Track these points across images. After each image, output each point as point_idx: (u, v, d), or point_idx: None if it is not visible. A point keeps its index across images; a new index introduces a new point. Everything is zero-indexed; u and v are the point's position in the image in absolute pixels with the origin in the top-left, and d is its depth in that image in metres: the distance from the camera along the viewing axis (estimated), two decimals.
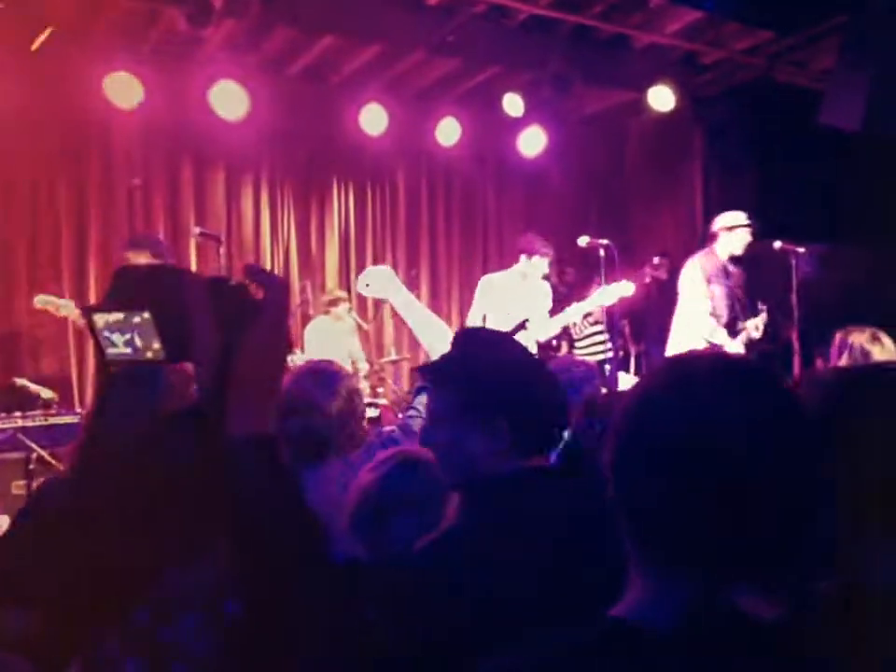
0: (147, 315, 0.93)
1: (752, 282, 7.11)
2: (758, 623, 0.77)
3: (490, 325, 4.87)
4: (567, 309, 4.97)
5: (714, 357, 0.92)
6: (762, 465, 0.76)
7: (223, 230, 6.80)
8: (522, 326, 4.88)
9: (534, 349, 4.89)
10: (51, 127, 6.02)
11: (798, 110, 6.52)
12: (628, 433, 0.84)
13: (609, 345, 5.40)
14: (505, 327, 4.85)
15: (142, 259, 4.44)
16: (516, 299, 4.94)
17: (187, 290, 0.95)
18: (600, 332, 5.58)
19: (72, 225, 6.29)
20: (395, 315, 7.15)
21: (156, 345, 0.94)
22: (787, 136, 7.06)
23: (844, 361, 2.74)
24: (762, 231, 7.51)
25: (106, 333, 0.95)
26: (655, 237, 5.91)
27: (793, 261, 5.23)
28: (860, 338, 2.75)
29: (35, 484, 4.83)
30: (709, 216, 7.70)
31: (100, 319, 0.96)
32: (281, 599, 0.91)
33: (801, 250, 5.25)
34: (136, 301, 0.94)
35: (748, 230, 5.27)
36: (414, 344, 7.26)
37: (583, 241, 5.31)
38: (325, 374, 2.21)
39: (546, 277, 5.14)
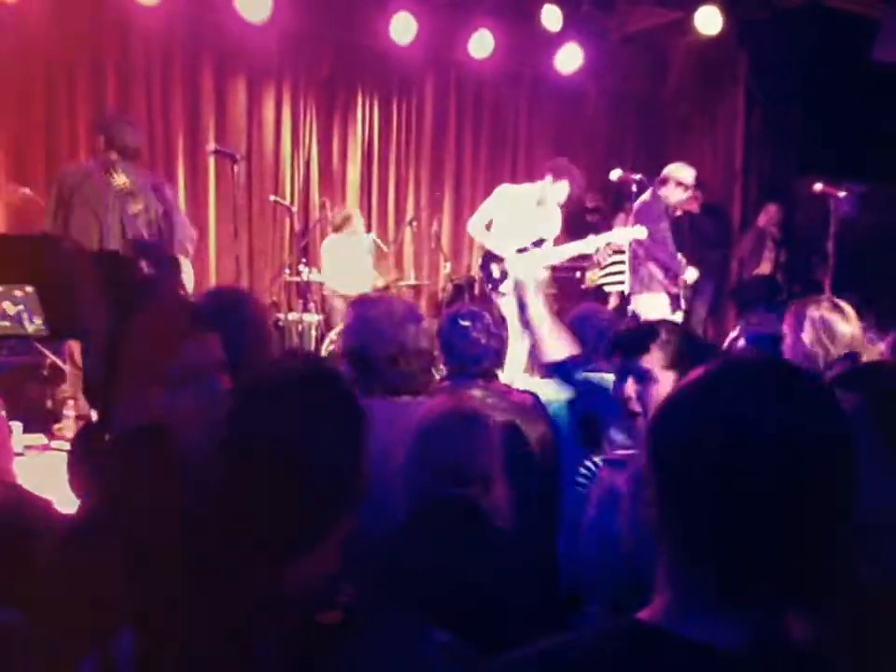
0: (29, 288, 0.85)
1: (790, 222, 6.92)
2: (802, 645, 0.77)
3: (495, 233, 4.94)
4: (586, 239, 4.95)
5: (756, 361, 0.89)
6: (797, 481, 0.75)
7: (243, 141, 6.59)
8: (539, 243, 4.89)
9: (544, 272, 4.89)
10: (69, 23, 5.77)
11: (849, 39, 6.22)
12: (663, 440, 0.82)
13: (623, 275, 5.32)
14: (510, 239, 4.87)
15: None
16: (528, 216, 4.93)
17: (72, 265, 0.90)
18: (621, 262, 5.47)
19: (88, 134, 6.03)
20: (416, 237, 7.08)
21: (38, 321, 0.86)
22: (836, 68, 6.74)
23: (806, 335, 2.58)
24: (803, 167, 7.27)
25: None
26: (692, 168, 5.69)
27: (833, 205, 5.01)
28: (820, 310, 2.59)
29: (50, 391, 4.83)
30: (750, 149, 7.47)
31: None
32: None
33: (841, 194, 5.02)
34: (19, 274, 0.86)
35: (682, 189, 5.00)
36: (435, 270, 7.14)
37: (616, 174, 5.18)
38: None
39: (563, 206, 5.06)
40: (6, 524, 1.49)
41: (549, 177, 4.95)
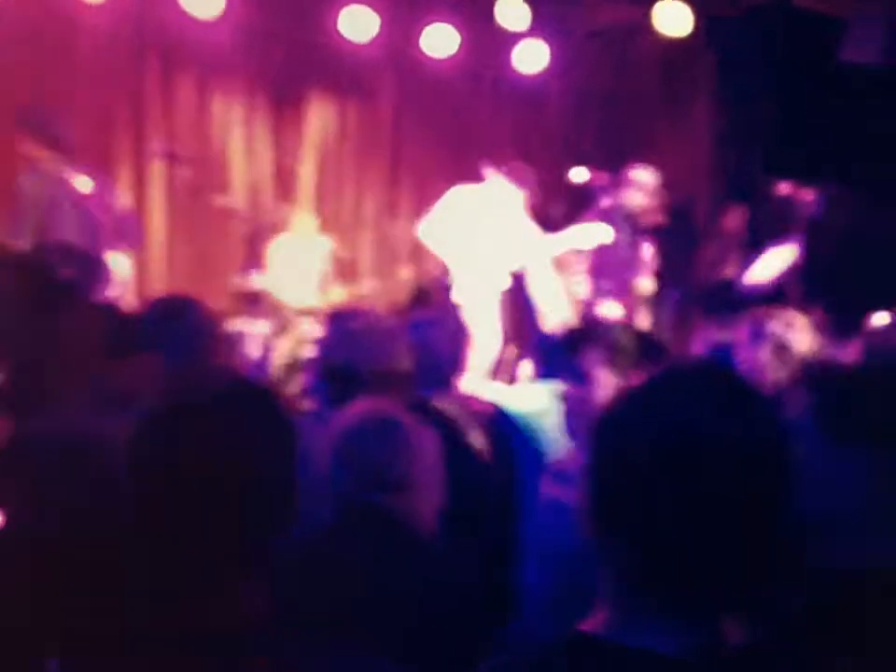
0: None
1: (754, 226, 6.86)
2: (740, 649, 0.79)
3: (449, 238, 4.84)
4: (549, 238, 4.86)
5: (691, 369, 0.92)
6: (735, 489, 0.77)
7: (191, 141, 6.39)
8: (498, 247, 4.81)
9: (507, 280, 4.81)
10: (9, 21, 5.51)
11: (818, 39, 6.20)
12: (603, 449, 0.83)
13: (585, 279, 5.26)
14: (465, 246, 4.80)
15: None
16: (487, 221, 4.85)
17: None
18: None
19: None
20: (373, 240, 6.93)
21: None
22: (805, 67, 6.74)
23: (762, 350, 2.57)
24: (770, 168, 7.22)
25: None
26: (657, 169, 5.63)
27: (798, 208, 4.96)
28: (776, 326, 2.59)
29: None
30: (716, 150, 7.40)
31: None
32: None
33: (808, 196, 4.97)
34: None
35: (643, 194, 5.00)
36: (391, 273, 6.98)
37: (578, 175, 5.10)
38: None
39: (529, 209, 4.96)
40: None
41: (504, 180, 4.85)
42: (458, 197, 4.90)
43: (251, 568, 0.98)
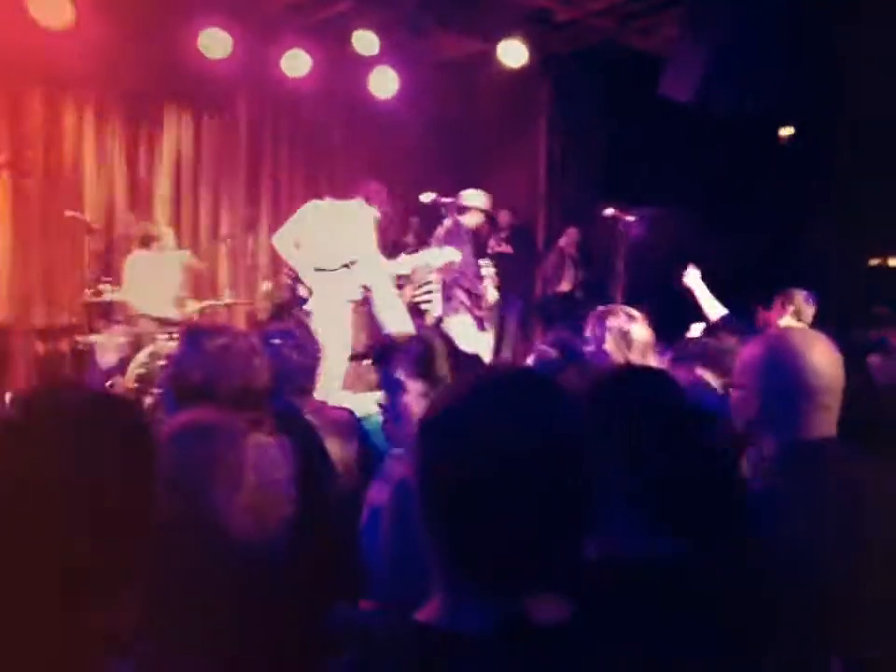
0: None
1: (586, 245, 7.41)
2: (549, 625, 0.85)
3: (303, 250, 4.90)
4: (398, 259, 5.08)
5: (499, 372, 1.02)
6: (535, 467, 0.85)
7: (40, 153, 6.22)
8: (347, 265, 4.92)
9: (359, 293, 4.93)
10: None
11: (644, 76, 6.73)
12: (429, 453, 0.90)
13: (434, 296, 5.50)
14: (319, 256, 4.87)
15: None
16: (339, 234, 4.94)
17: None
18: (429, 282, 5.65)
19: None
20: (231, 254, 6.94)
21: None
22: (633, 101, 7.27)
23: (608, 343, 2.85)
24: (604, 193, 7.79)
25: None
26: (501, 192, 5.99)
27: (623, 229, 5.43)
28: (618, 320, 2.86)
29: None
30: (553, 176, 7.92)
31: None
32: None
33: (630, 218, 5.45)
34: None
35: (479, 214, 5.40)
36: (252, 288, 7.03)
37: (427, 197, 5.35)
38: None
39: (381, 229, 5.15)
40: None
41: (362, 200, 5.02)
42: (313, 210, 5.01)
43: (120, 577, 0.99)
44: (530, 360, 3.18)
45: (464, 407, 0.90)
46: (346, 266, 4.93)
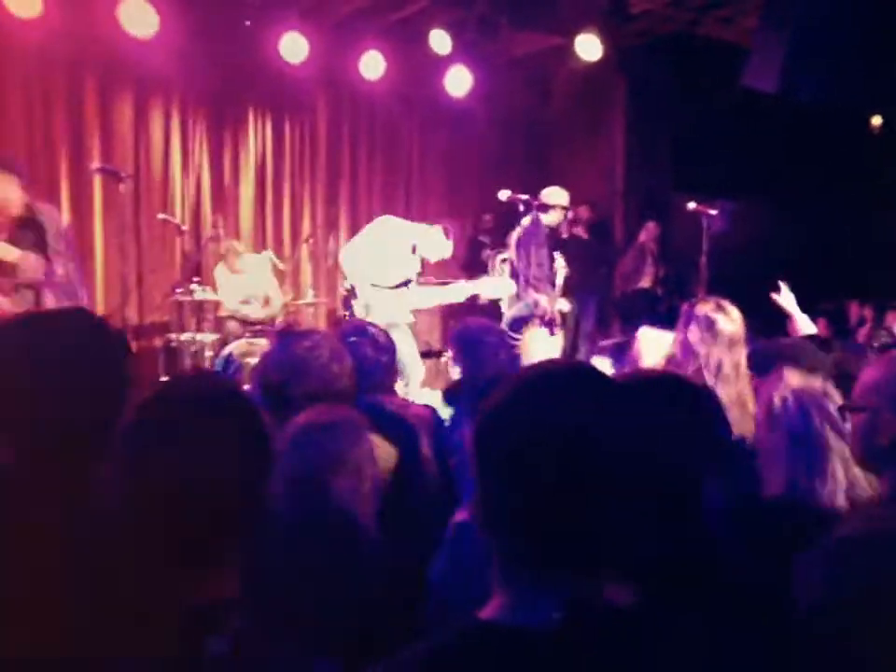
0: None
1: (665, 240, 7.31)
2: (623, 609, 0.86)
3: (364, 265, 4.72)
4: (453, 285, 5.02)
5: (553, 366, 1.01)
6: (595, 461, 0.85)
7: (130, 159, 6.45)
8: (405, 283, 4.79)
9: (409, 317, 4.85)
10: None
11: (721, 66, 6.61)
12: (486, 447, 0.90)
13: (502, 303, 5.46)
14: (379, 273, 4.71)
15: (11, 186, 3.93)
16: (401, 255, 4.78)
17: None
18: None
19: None
20: (313, 254, 7.07)
21: None
22: (708, 92, 7.16)
23: (692, 333, 2.77)
24: (678, 186, 7.69)
25: None
26: (577, 188, 5.95)
27: (705, 223, 5.32)
28: (704, 308, 2.77)
29: None
30: (630, 169, 7.84)
31: None
32: None
33: (713, 212, 5.34)
34: None
35: (561, 212, 5.38)
36: (333, 287, 7.16)
37: (504, 195, 5.33)
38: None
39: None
40: None
41: (438, 230, 4.82)
42: (381, 225, 4.86)
43: (225, 556, 1.04)
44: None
45: (524, 402, 0.90)
46: (402, 285, 4.79)
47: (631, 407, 0.91)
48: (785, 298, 3.84)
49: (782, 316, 4.05)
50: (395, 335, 4.40)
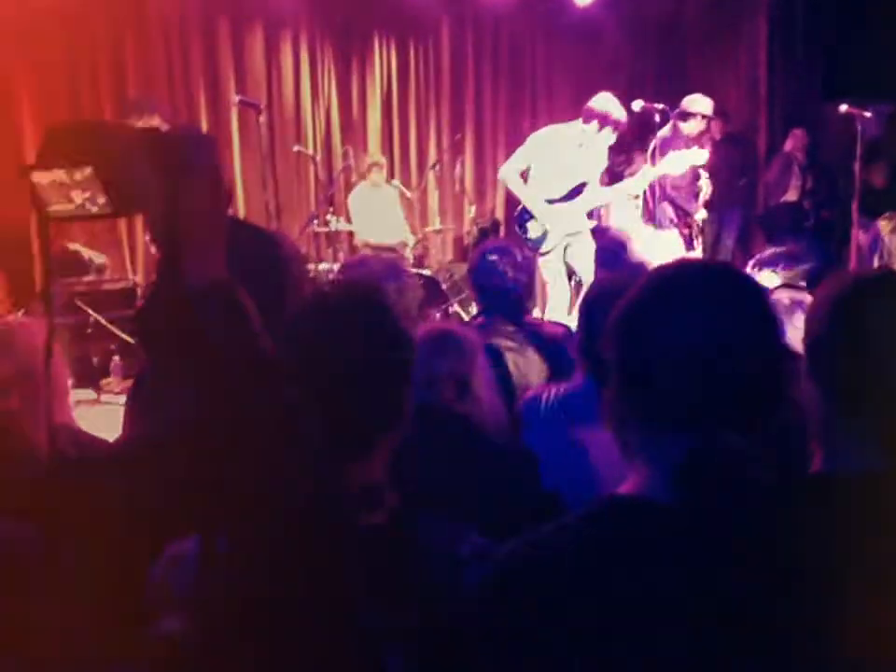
0: (88, 170, 0.91)
1: (816, 145, 6.83)
2: (749, 477, 0.87)
3: (532, 182, 4.56)
4: (635, 176, 4.84)
5: (694, 267, 1.02)
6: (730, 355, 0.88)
7: (263, 93, 6.59)
8: (580, 187, 4.55)
9: (586, 217, 4.70)
10: None
11: None
12: (628, 333, 0.94)
13: (635, 213, 5.29)
14: (550, 186, 4.54)
15: (154, 121, 4.09)
16: (568, 160, 4.51)
17: (124, 142, 0.96)
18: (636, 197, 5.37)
19: (110, 92, 6.04)
20: (439, 182, 7.08)
21: (101, 200, 0.93)
22: None
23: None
24: (828, 91, 7.12)
25: (50, 190, 0.93)
26: (714, 97, 5.61)
27: (859, 126, 4.92)
28: (885, 227, 2.65)
29: (94, 348, 5.01)
30: (774, 76, 7.33)
31: (41, 178, 0.92)
32: (235, 435, 1.02)
33: (867, 114, 4.92)
34: (76, 157, 0.92)
35: (703, 121, 5.04)
36: (460, 214, 7.17)
37: (638, 105, 5.06)
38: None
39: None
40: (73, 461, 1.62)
41: (595, 123, 4.47)
42: (542, 140, 4.56)
43: (376, 444, 1.14)
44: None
45: (663, 302, 0.92)
46: (578, 190, 4.56)
47: (764, 309, 0.92)
48: None
49: None
50: (576, 247, 4.47)
